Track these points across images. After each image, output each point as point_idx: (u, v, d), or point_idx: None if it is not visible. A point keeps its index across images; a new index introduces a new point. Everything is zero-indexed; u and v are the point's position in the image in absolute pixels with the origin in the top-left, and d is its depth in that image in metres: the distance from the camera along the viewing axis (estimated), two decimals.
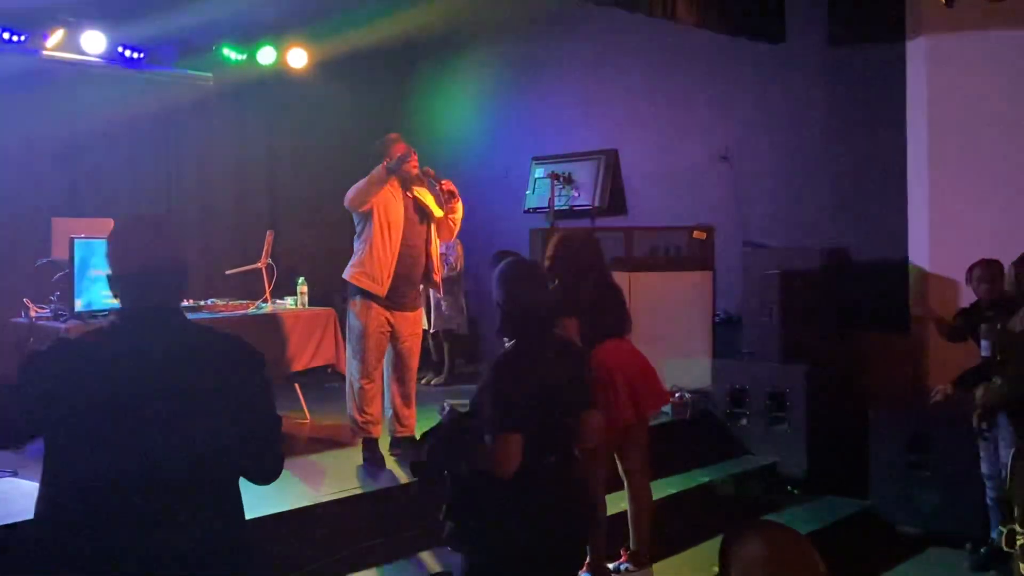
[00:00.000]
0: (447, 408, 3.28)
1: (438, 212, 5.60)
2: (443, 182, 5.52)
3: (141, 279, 2.41)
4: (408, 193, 5.53)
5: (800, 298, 6.83)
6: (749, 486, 6.49)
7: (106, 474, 2.25)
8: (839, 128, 7.46)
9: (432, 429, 3.23)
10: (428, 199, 5.61)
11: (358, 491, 5.10)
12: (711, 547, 2.21)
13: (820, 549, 2.00)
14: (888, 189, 7.19)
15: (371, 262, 5.39)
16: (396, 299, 5.47)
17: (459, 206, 5.58)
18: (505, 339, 3.32)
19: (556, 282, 4.69)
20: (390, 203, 5.43)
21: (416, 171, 5.51)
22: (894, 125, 7.11)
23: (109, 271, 2.46)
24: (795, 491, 6.52)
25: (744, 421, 6.94)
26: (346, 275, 5.51)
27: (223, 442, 2.37)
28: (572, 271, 4.76)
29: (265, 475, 2.54)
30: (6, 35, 7.06)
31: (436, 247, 5.68)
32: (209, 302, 6.64)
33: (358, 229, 5.54)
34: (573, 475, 3.33)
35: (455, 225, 5.63)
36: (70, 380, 2.29)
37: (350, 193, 5.42)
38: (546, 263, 4.84)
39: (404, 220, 5.46)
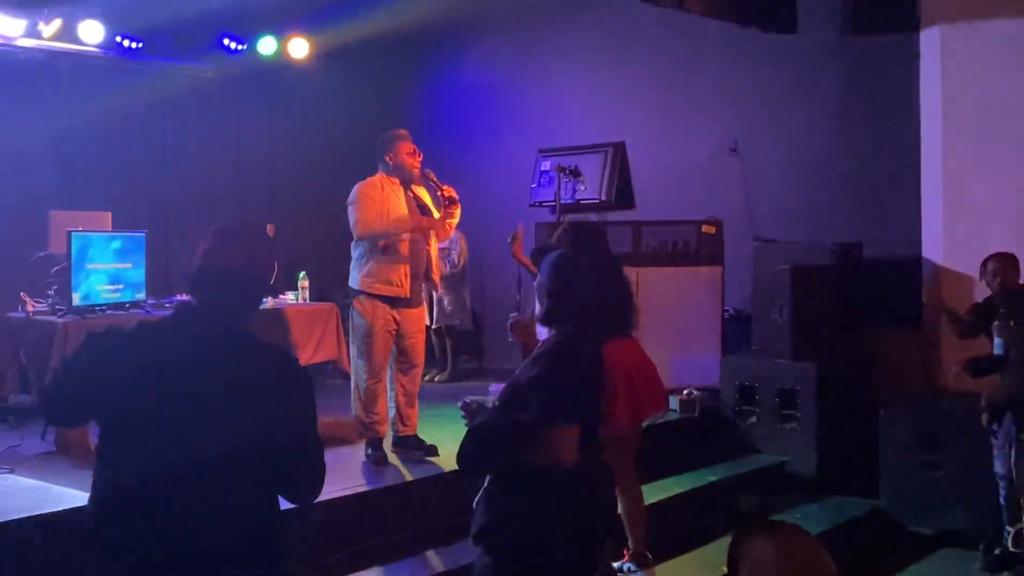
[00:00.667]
0: (470, 402, 3.17)
1: (436, 214, 5.55)
2: (444, 187, 5.47)
3: (222, 278, 2.46)
4: (408, 192, 5.48)
5: (811, 294, 6.76)
6: (758, 485, 6.40)
7: (157, 462, 2.29)
8: (851, 120, 7.38)
9: (478, 426, 3.11)
10: (427, 199, 5.58)
11: (361, 489, 5.03)
12: (719, 547, 2.14)
13: (830, 549, 1.98)
14: (901, 182, 7.11)
15: (387, 268, 5.33)
16: (402, 297, 5.41)
17: (458, 212, 5.52)
18: (548, 328, 3.26)
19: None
20: (393, 205, 5.38)
21: (418, 172, 5.45)
22: (907, 116, 7.03)
23: (198, 264, 2.49)
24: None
25: (753, 419, 6.86)
26: (357, 284, 5.41)
27: (266, 447, 2.41)
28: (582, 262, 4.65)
29: (302, 492, 2.60)
30: (3, 24, 6.98)
31: (434, 246, 5.63)
32: None
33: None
34: (601, 470, 3.29)
35: (451, 229, 5.60)
36: (132, 364, 2.35)
37: (366, 228, 5.30)
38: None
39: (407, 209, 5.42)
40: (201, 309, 2.49)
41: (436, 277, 5.69)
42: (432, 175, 5.51)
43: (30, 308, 5.79)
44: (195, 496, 2.31)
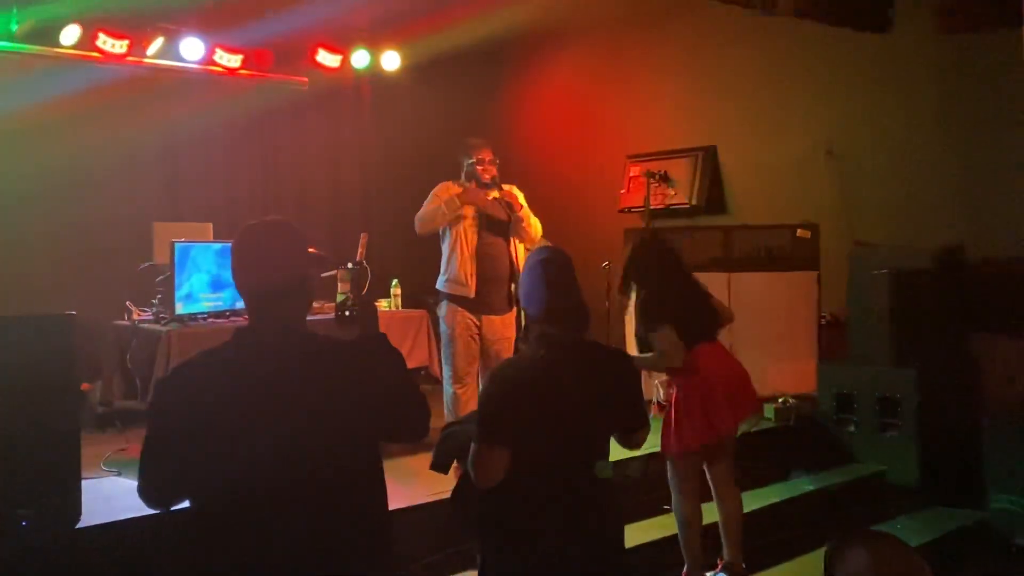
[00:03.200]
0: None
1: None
2: (504, 191, 5.51)
3: (262, 297, 2.40)
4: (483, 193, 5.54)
5: (912, 299, 6.57)
6: (856, 495, 6.25)
7: (249, 490, 2.25)
8: (951, 120, 7.15)
9: (445, 426, 3.18)
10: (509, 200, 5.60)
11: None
12: (815, 558, 2.10)
13: (931, 562, 1.91)
14: (1006, 183, 6.86)
15: (454, 267, 5.45)
16: (482, 301, 5.47)
17: (525, 215, 5.52)
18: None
19: (644, 293, 4.61)
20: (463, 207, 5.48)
21: (487, 179, 5.50)
22: (1011, 116, 6.78)
23: (234, 283, 2.45)
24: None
25: (851, 428, 6.70)
26: (438, 285, 5.61)
27: (357, 435, 2.38)
28: (653, 279, 4.64)
29: (407, 437, 2.61)
30: (109, 44, 7.25)
31: (521, 257, 5.63)
32: None
33: (441, 237, 5.61)
34: (595, 500, 2.95)
35: (530, 228, 5.55)
36: (201, 404, 2.28)
37: (418, 219, 5.50)
38: (624, 275, 4.76)
39: (476, 223, 5.48)
40: (252, 326, 2.44)
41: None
42: (501, 188, 5.51)
43: (136, 316, 6.00)
44: (294, 510, 2.28)
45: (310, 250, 2.51)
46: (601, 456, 2.99)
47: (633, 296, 4.77)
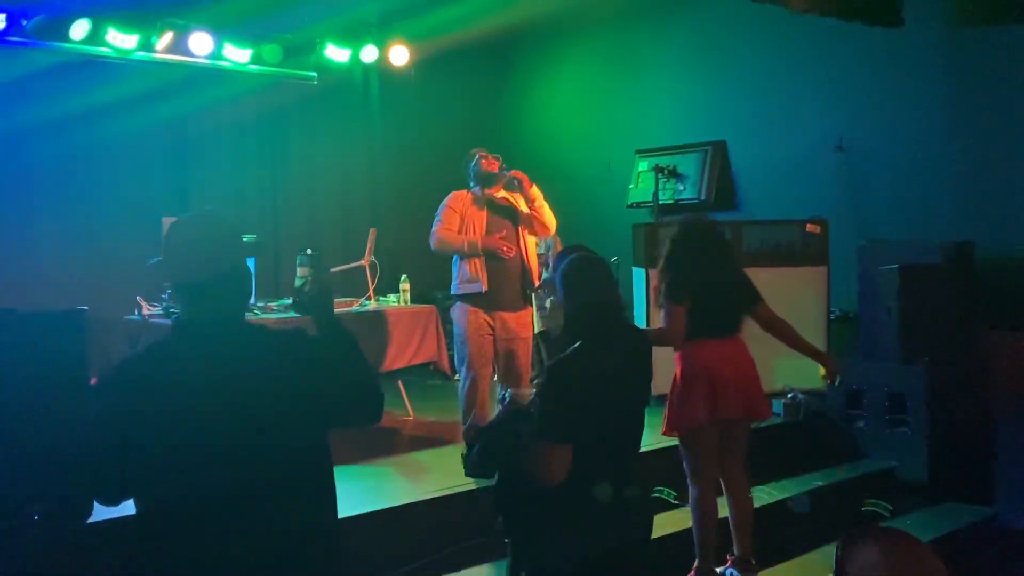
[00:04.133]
0: (507, 398, 3.22)
1: (525, 209, 5.58)
2: (512, 171, 5.53)
3: (199, 289, 2.33)
4: (492, 203, 5.56)
5: (921, 294, 6.54)
6: (866, 491, 6.23)
7: (197, 485, 2.21)
8: (962, 115, 7.12)
9: (486, 429, 3.17)
10: (522, 204, 5.60)
11: (461, 489, 5.07)
12: (825, 553, 2.10)
13: (941, 557, 1.91)
14: (1017, 178, 6.83)
15: (465, 268, 5.48)
16: (493, 298, 5.47)
17: (535, 192, 5.52)
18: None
19: (670, 269, 4.58)
20: (475, 222, 5.50)
21: (496, 168, 5.53)
22: (1022, 111, 6.74)
23: (168, 277, 2.39)
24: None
25: (861, 423, 6.69)
26: (452, 291, 5.63)
27: (311, 428, 2.35)
28: (688, 257, 4.60)
29: (363, 421, 2.53)
30: (119, 40, 7.26)
31: (532, 252, 5.63)
32: None
33: None
34: (631, 489, 3.13)
35: (541, 215, 5.55)
36: (146, 400, 2.24)
37: (440, 244, 5.51)
38: (666, 247, 4.71)
39: (486, 220, 5.49)
40: (190, 319, 2.37)
41: (535, 279, 5.69)
42: (509, 173, 5.54)
43: (145, 311, 6.02)
44: (237, 509, 2.23)
45: (243, 238, 2.50)
46: (641, 434, 3.20)
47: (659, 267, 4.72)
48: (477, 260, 5.44)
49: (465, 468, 5.00)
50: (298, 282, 5.31)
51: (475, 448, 3.17)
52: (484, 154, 5.59)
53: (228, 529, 2.23)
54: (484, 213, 5.50)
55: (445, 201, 5.60)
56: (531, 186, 5.52)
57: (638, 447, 3.26)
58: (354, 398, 2.46)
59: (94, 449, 2.33)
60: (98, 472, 2.34)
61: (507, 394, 3.19)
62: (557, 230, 5.81)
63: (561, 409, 2.98)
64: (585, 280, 3.20)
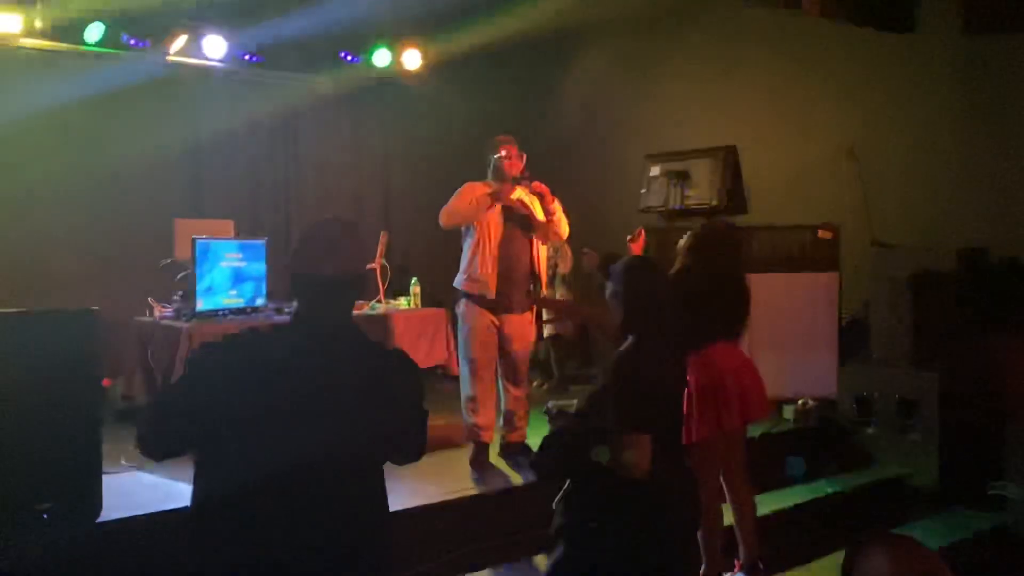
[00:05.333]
0: (554, 410, 3.28)
1: (540, 216, 5.54)
2: (534, 183, 5.49)
3: (326, 285, 2.47)
4: (512, 196, 5.52)
5: (933, 301, 6.53)
6: (876, 497, 6.21)
7: (261, 471, 2.29)
8: (975, 121, 7.09)
9: (553, 434, 3.21)
10: (535, 205, 5.57)
11: (468, 493, 5.07)
12: (834, 560, 2.09)
13: (951, 565, 1.90)
14: None
15: (476, 267, 5.43)
16: (501, 301, 5.46)
17: (557, 207, 5.51)
18: (628, 336, 3.31)
19: (687, 270, 4.60)
20: (486, 204, 5.46)
21: (514, 174, 5.49)
22: None
23: (293, 269, 2.51)
24: None
25: (871, 430, 6.67)
26: (455, 283, 5.58)
27: (373, 441, 2.46)
28: (702, 260, 4.60)
29: (402, 460, 2.66)
30: (133, 42, 7.30)
31: (542, 257, 5.61)
32: None
33: (463, 234, 5.58)
34: (686, 476, 3.35)
35: (558, 227, 5.53)
36: (237, 377, 2.35)
37: (446, 212, 5.45)
38: (683, 249, 4.72)
39: (502, 222, 5.45)
40: (302, 315, 2.51)
41: (543, 283, 5.70)
42: (532, 185, 5.51)
43: (157, 313, 6.04)
44: (300, 502, 2.32)
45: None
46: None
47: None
48: (489, 263, 5.40)
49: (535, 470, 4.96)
50: None
51: (542, 449, 3.24)
52: (508, 149, 5.51)
53: (289, 522, 2.32)
54: (500, 219, 5.46)
55: (459, 190, 5.53)
56: (553, 200, 5.50)
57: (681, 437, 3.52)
58: (411, 433, 2.60)
59: (175, 399, 2.45)
60: (163, 423, 2.41)
61: (550, 405, 3.35)
62: (570, 234, 5.82)
63: (636, 399, 3.11)
64: (645, 279, 3.41)
